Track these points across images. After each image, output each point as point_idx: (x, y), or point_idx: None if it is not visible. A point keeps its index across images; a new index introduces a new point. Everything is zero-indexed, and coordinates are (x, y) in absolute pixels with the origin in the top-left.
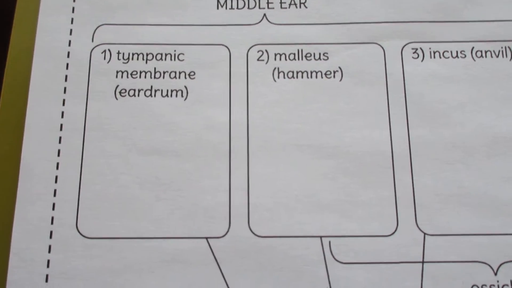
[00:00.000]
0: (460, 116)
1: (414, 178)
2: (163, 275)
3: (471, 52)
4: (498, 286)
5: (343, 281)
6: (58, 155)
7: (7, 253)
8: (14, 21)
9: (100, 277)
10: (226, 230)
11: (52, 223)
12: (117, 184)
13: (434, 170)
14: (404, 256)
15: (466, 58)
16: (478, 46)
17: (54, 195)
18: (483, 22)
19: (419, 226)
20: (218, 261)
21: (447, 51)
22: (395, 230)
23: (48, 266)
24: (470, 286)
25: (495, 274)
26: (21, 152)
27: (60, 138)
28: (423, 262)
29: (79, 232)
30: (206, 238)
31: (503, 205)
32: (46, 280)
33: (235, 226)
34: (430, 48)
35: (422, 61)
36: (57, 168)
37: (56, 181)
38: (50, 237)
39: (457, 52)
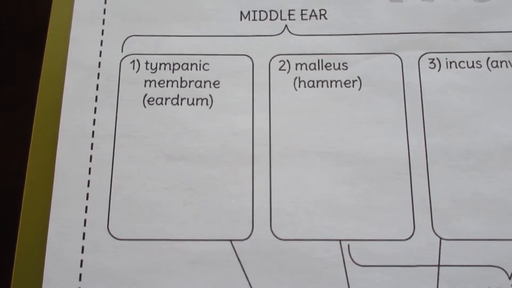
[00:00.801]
0: (475, 125)
1: (430, 185)
2: (190, 275)
3: (487, 62)
4: None
5: (361, 283)
6: (90, 160)
7: (43, 253)
8: (48, 32)
9: (130, 276)
10: (250, 233)
11: (84, 225)
12: (146, 188)
13: (450, 177)
14: (420, 260)
15: (481, 68)
16: (494, 57)
17: (87, 198)
18: (498, 33)
19: (435, 230)
20: (242, 262)
21: (463, 61)
22: (412, 235)
23: (81, 266)
24: None
25: (510, 278)
26: (55, 158)
27: (92, 144)
28: (439, 265)
29: (110, 233)
30: (230, 240)
31: None
32: (80, 279)
33: (258, 229)
34: (446, 59)
35: (438, 71)
36: (89, 173)
37: (88, 185)
38: (83, 238)
39: (473, 62)
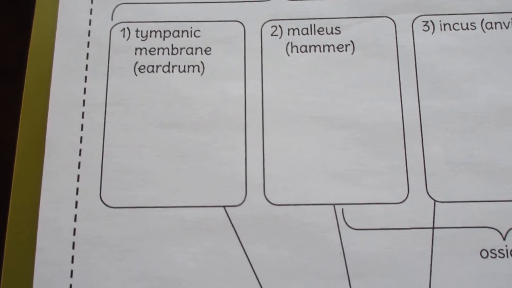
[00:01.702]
0: (470, 87)
1: (424, 147)
2: (184, 241)
3: (481, 24)
4: (507, 250)
5: (355, 246)
6: (82, 129)
7: (36, 223)
8: (36, 2)
9: (123, 244)
10: (243, 199)
11: (77, 193)
12: (138, 156)
13: (444, 140)
14: (415, 223)
15: (476, 30)
16: (488, 18)
17: (79, 167)
18: None
19: (430, 193)
20: (235, 228)
21: (457, 23)
22: (406, 198)
23: (74, 234)
24: (479, 250)
25: (504, 239)
26: (46, 127)
27: (83, 113)
28: (433, 228)
29: (102, 202)
30: (224, 206)
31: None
32: (73, 247)
33: (251, 195)
34: (440, 21)
35: (432, 33)
36: (81, 141)
37: (80, 154)
38: (76, 206)
39: (467, 24)
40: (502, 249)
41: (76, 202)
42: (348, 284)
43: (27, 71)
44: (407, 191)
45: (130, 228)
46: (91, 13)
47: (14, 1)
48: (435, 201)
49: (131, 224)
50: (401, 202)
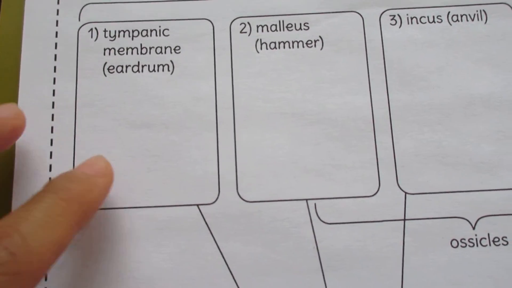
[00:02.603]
0: (437, 79)
1: (394, 141)
2: (158, 241)
3: (447, 17)
4: (476, 239)
5: (328, 240)
6: (52, 131)
7: None
8: (2, 4)
9: (98, 246)
10: (216, 197)
11: None
12: (109, 157)
13: (413, 132)
14: (386, 215)
15: (442, 22)
16: (454, 11)
17: (50, 170)
18: None
19: (400, 186)
20: (209, 226)
21: (424, 17)
22: (377, 191)
23: None
24: (450, 240)
25: (473, 228)
26: None
27: (52, 115)
28: (404, 219)
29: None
30: (197, 205)
31: (480, 162)
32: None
33: (224, 193)
34: (407, 14)
35: (400, 27)
36: (51, 144)
37: (51, 157)
38: None
39: (433, 17)
40: (472, 238)
41: None
42: (322, 277)
43: None
44: (378, 184)
45: (104, 230)
46: (57, 13)
47: None
48: (405, 193)
49: (105, 225)
50: (372, 195)
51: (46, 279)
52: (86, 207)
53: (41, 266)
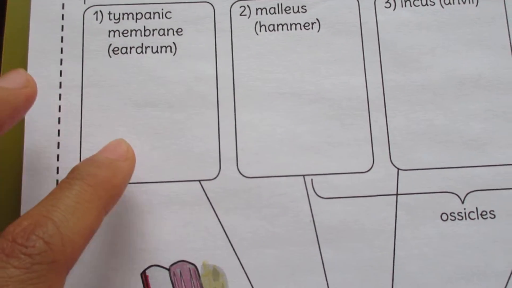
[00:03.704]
0: (430, 60)
1: (388, 119)
2: (161, 215)
3: (440, 0)
4: (465, 213)
5: (324, 214)
6: (59, 110)
7: (19, 202)
8: None
9: (105, 220)
10: (217, 172)
11: (57, 172)
12: (115, 135)
13: (406, 111)
14: (379, 190)
15: (435, 5)
16: None
17: (58, 147)
18: None
19: (393, 162)
20: (211, 200)
21: (417, 0)
22: (371, 167)
23: None
24: (440, 214)
25: (462, 202)
26: None
27: (60, 95)
28: (397, 194)
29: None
30: (199, 180)
31: (469, 140)
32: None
33: (225, 169)
34: None
35: (394, 10)
36: (59, 122)
37: (58, 135)
38: (56, 184)
39: (426, 0)
40: (461, 212)
41: (57, 181)
42: (318, 249)
43: (3, 56)
44: (372, 161)
45: None
46: None
47: None
48: (398, 169)
49: None
50: (366, 171)
51: None
52: (112, 191)
53: (74, 252)
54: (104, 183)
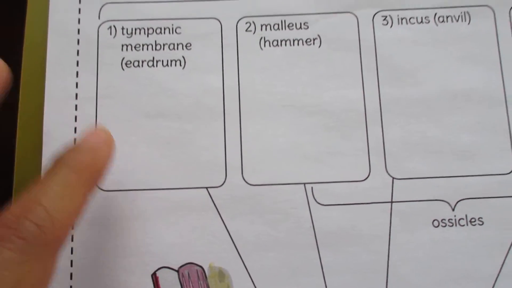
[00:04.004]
0: (424, 75)
1: (384, 131)
2: (170, 220)
3: (434, 18)
4: (455, 220)
5: (323, 220)
6: (75, 120)
7: None
8: (28, 3)
9: (118, 223)
10: (223, 180)
11: None
12: (127, 144)
13: (401, 123)
14: (375, 198)
15: (429, 23)
16: (440, 12)
17: None
18: None
19: (388, 171)
20: (217, 206)
21: (413, 17)
22: (368, 176)
23: None
24: (432, 220)
25: (453, 210)
26: (43, 119)
27: (76, 105)
28: (392, 202)
29: (97, 186)
30: (206, 187)
31: (460, 151)
32: (72, 227)
33: (230, 177)
34: (398, 15)
35: (391, 27)
36: (75, 132)
37: (75, 143)
38: None
39: (422, 18)
40: (452, 219)
41: None
42: (317, 253)
43: (22, 68)
44: (368, 170)
45: (123, 209)
46: (79, 12)
47: (7, 2)
48: (393, 178)
49: (123, 205)
50: (363, 180)
51: (72, 253)
52: (95, 174)
53: (64, 233)
54: (88, 168)
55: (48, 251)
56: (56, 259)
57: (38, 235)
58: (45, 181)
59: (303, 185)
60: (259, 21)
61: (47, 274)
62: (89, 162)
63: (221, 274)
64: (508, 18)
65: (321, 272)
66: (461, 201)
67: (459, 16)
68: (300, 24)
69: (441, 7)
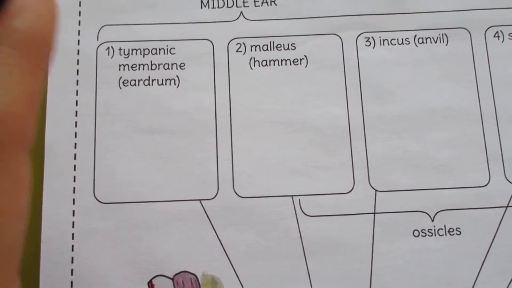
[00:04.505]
0: (405, 94)
1: (367, 146)
2: (166, 230)
3: (414, 39)
4: (435, 230)
5: (310, 230)
6: (75, 136)
7: (40, 218)
8: None
9: (115, 234)
10: (215, 193)
11: (74, 192)
12: (125, 158)
13: (383, 139)
14: (359, 209)
15: (410, 44)
16: (420, 34)
17: (74, 169)
18: (424, 13)
19: (372, 184)
20: (210, 218)
21: (394, 39)
22: (352, 188)
23: (73, 227)
24: (412, 230)
25: (432, 220)
26: (44, 136)
27: (76, 122)
28: (374, 213)
29: (96, 198)
30: (200, 200)
31: (439, 165)
32: (72, 238)
33: (222, 190)
34: (380, 37)
35: (373, 48)
36: (75, 147)
37: (75, 158)
38: (73, 203)
39: (402, 39)
40: (431, 229)
41: (74, 200)
42: (305, 261)
43: None
44: (353, 183)
45: (121, 220)
46: (79, 34)
47: None
48: (376, 190)
49: (121, 217)
50: (348, 192)
51: (72, 262)
52: (42, 45)
53: (21, 125)
54: (29, 39)
55: (8, 151)
56: (23, 159)
57: None
58: None
59: (291, 197)
60: (249, 42)
61: (15, 180)
62: (29, 31)
63: (214, 282)
64: (483, 39)
65: (308, 280)
66: (440, 212)
67: (437, 38)
68: (288, 45)
69: (420, 29)
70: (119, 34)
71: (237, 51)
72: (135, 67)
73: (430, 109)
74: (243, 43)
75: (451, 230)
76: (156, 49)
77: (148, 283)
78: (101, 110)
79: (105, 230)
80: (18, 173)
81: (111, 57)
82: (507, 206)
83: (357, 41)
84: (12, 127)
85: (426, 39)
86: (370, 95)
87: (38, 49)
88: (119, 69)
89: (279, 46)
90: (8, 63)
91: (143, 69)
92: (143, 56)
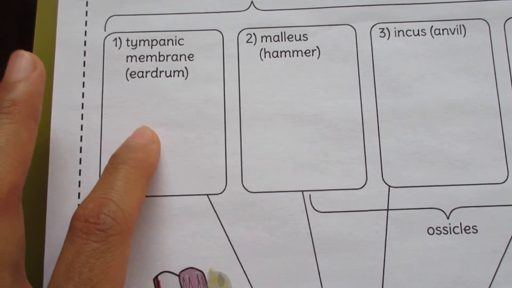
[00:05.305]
0: (420, 86)
1: (380, 140)
2: (173, 225)
3: (431, 30)
4: (450, 228)
5: (321, 227)
6: (81, 129)
7: (44, 211)
8: (37, 16)
9: None
10: (224, 187)
11: (79, 186)
12: None
13: (398, 133)
14: (372, 205)
15: (426, 35)
16: (437, 25)
17: (80, 162)
18: (441, 4)
19: (385, 180)
20: (217, 213)
21: (410, 30)
22: (365, 184)
23: None
24: (427, 228)
25: (448, 218)
26: (50, 128)
27: (82, 115)
28: (387, 209)
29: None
30: (207, 194)
31: (455, 160)
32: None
33: (231, 184)
34: (395, 28)
35: (388, 39)
36: (81, 140)
37: (80, 151)
38: (79, 197)
39: (418, 30)
40: (446, 227)
41: (79, 193)
42: (315, 259)
43: None
44: (365, 178)
45: None
46: (86, 25)
47: (17, 15)
48: (389, 186)
49: None
50: (360, 188)
51: None
52: (149, 169)
53: (132, 222)
54: (142, 163)
55: (123, 239)
56: (129, 245)
57: (114, 226)
58: (107, 177)
59: (301, 192)
60: (259, 33)
61: (125, 258)
62: (143, 158)
63: (221, 279)
64: (502, 30)
65: (318, 278)
66: (456, 209)
67: (454, 29)
68: (300, 36)
69: (437, 20)
70: (126, 25)
71: (247, 42)
72: (143, 58)
73: (446, 102)
74: (254, 34)
75: (467, 228)
76: (164, 40)
77: (153, 279)
78: (107, 102)
79: None
80: (127, 253)
81: (119, 48)
82: None
83: (371, 32)
84: (129, 223)
85: (443, 30)
86: (384, 88)
87: (148, 173)
88: (127, 61)
89: (290, 36)
90: (131, 179)
91: (151, 60)
92: (151, 47)
